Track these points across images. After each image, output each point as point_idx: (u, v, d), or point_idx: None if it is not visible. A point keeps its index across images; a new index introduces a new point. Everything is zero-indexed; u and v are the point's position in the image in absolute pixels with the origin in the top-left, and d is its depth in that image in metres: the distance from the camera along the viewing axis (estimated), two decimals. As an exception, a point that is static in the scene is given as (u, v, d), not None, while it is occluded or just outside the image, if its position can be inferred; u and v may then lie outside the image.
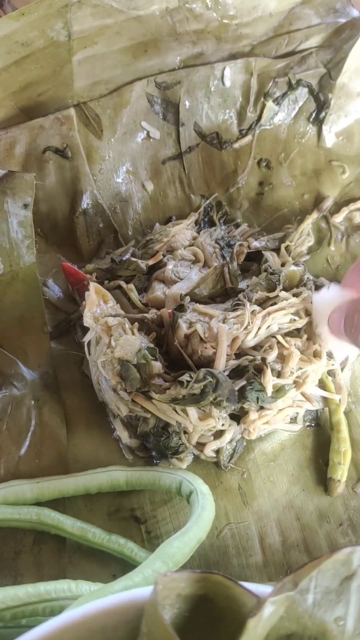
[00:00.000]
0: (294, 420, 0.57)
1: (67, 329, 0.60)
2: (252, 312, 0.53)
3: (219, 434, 0.54)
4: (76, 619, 0.33)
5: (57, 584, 0.41)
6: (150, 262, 0.60)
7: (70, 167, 0.63)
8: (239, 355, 0.54)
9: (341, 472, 0.55)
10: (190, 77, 0.66)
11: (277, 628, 0.33)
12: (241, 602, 0.33)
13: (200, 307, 0.55)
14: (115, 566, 0.49)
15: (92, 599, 0.37)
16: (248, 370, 0.52)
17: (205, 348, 0.52)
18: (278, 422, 0.56)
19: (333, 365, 0.58)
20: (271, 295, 0.55)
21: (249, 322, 0.53)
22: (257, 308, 0.54)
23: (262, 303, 0.56)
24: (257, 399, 0.53)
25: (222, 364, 0.51)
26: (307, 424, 0.58)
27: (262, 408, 0.54)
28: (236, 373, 0.53)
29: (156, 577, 0.32)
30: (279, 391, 0.53)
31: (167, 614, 0.32)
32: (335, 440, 0.56)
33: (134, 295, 0.57)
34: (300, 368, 0.54)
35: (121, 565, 0.48)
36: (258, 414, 0.54)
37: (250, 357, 0.53)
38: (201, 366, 0.52)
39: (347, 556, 0.34)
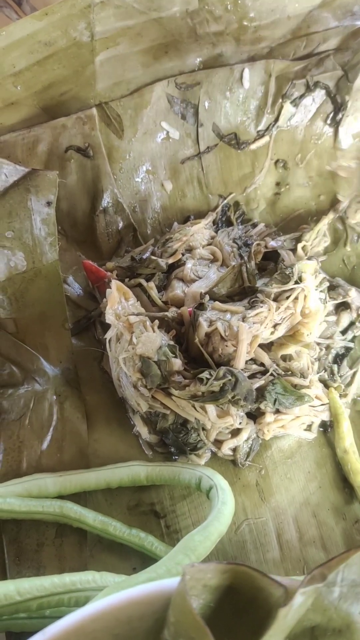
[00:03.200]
0: (308, 428, 0.58)
1: (87, 326, 0.61)
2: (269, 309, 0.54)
3: (236, 432, 0.55)
4: (104, 608, 0.34)
5: (82, 575, 0.42)
6: (170, 260, 0.60)
7: (92, 166, 0.64)
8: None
9: None
10: (209, 79, 0.67)
11: (302, 620, 0.34)
12: (268, 592, 0.33)
13: (221, 304, 0.55)
14: (135, 559, 0.49)
15: (117, 590, 0.38)
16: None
17: (226, 346, 0.53)
18: (293, 428, 0.56)
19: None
20: (286, 287, 0.56)
21: (270, 320, 0.53)
22: (273, 304, 0.55)
23: (278, 297, 0.57)
24: (275, 400, 0.54)
25: (242, 362, 0.52)
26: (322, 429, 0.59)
27: (278, 411, 0.55)
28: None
29: (183, 568, 0.32)
30: (298, 398, 0.54)
31: (194, 604, 0.33)
32: (348, 462, 0.56)
33: (154, 293, 0.58)
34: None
35: (141, 559, 0.49)
36: (274, 417, 0.55)
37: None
38: (221, 364, 0.53)
39: (372, 551, 0.35)
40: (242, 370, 0.53)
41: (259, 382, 0.53)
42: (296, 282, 0.56)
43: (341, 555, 0.34)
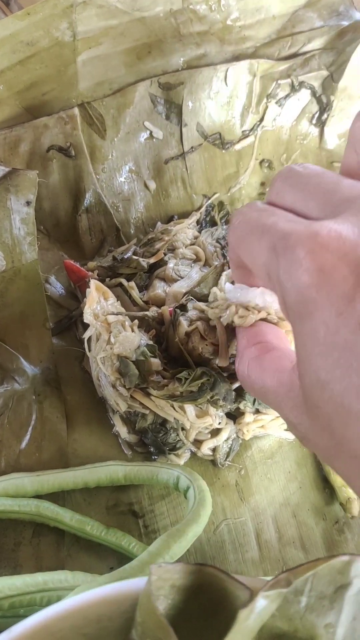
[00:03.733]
0: (289, 428, 0.58)
1: (69, 326, 0.61)
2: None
3: (215, 432, 0.55)
4: (72, 607, 0.34)
5: (55, 574, 0.42)
6: (152, 260, 0.60)
7: (74, 166, 0.64)
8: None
9: (349, 491, 0.54)
10: (193, 78, 0.67)
11: (270, 627, 0.34)
12: (234, 594, 0.33)
13: (201, 304, 0.55)
14: (112, 559, 0.49)
15: (88, 589, 0.38)
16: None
17: (206, 345, 0.53)
18: (273, 428, 0.56)
19: None
20: None
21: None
22: None
23: None
24: (255, 400, 0.54)
25: (226, 358, 0.52)
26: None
27: (258, 411, 0.55)
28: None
29: (150, 568, 0.32)
30: None
31: (161, 605, 0.33)
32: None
33: (135, 292, 0.58)
34: None
35: (119, 559, 0.49)
36: (254, 417, 0.55)
37: None
38: (201, 364, 0.53)
39: (343, 565, 0.34)
40: (222, 367, 0.53)
41: (238, 382, 0.53)
42: None
43: (309, 563, 0.34)
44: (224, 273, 0.57)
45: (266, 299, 0.45)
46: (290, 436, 0.57)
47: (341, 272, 0.28)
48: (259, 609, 0.31)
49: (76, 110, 0.63)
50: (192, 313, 0.55)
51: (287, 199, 0.35)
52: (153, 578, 0.32)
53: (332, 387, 0.29)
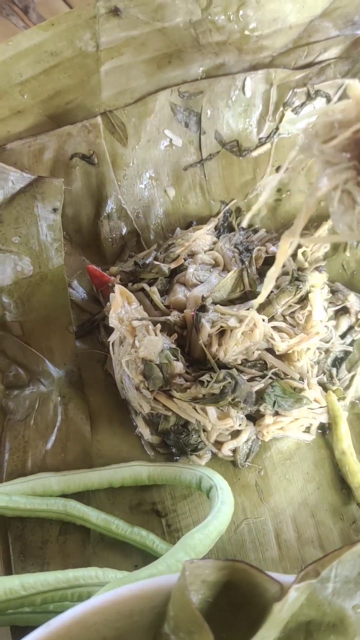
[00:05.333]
0: (307, 430, 0.59)
1: (91, 329, 0.62)
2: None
3: (236, 434, 0.56)
4: (107, 602, 0.35)
5: (85, 571, 0.43)
6: (172, 265, 0.62)
7: (96, 173, 0.65)
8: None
9: None
10: (212, 87, 0.68)
11: (297, 615, 0.35)
12: (264, 588, 0.35)
13: (222, 308, 0.57)
14: (136, 557, 0.51)
15: (119, 585, 0.39)
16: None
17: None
18: (292, 430, 0.58)
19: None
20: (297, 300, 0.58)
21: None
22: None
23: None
24: (274, 403, 0.55)
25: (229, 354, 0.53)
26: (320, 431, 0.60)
27: (277, 414, 0.56)
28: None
29: (183, 564, 0.34)
30: (296, 401, 0.55)
31: (193, 598, 0.34)
32: (346, 463, 0.57)
33: (157, 297, 0.59)
34: None
35: (142, 557, 0.50)
36: (273, 419, 0.56)
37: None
38: (223, 367, 0.54)
39: (365, 548, 0.36)
40: (239, 370, 0.54)
41: (258, 385, 0.55)
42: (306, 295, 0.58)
43: (334, 552, 0.35)
44: None
45: None
46: (308, 437, 0.59)
47: None
48: (291, 601, 0.32)
49: (99, 119, 0.64)
50: (213, 315, 0.56)
51: None
52: (186, 573, 0.34)
53: None
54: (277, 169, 0.73)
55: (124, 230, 0.67)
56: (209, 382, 0.52)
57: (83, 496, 0.52)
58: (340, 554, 0.35)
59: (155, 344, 0.52)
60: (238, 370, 0.54)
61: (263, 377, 0.55)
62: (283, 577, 0.35)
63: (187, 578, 0.34)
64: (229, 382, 0.52)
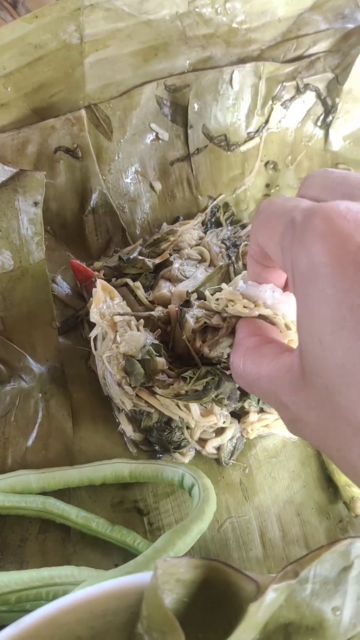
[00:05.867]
0: None
1: (75, 325, 0.61)
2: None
3: (220, 431, 0.55)
4: (79, 601, 0.35)
5: (61, 569, 0.43)
6: (157, 260, 0.61)
7: (80, 167, 0.64)
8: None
9: (353, 490, 0.55)
10: (199, 81, 0.68)
11: (276, 617, 0.35)
12: (240, 587, 0.34)
13: (207, 303, 0.56)
14: (118, 556, 0.50)
15: (94, 583, 0.39)
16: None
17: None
18: (278, 428, 0.57)
19: None
20: None
21: None
22: None
23: None
24: (259, 399, 0.54)
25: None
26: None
27: (262, 411, 0.55)
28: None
29: (156, 562, 0.33)
30: None
31: (166, 598, 0.33)
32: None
33: (141, 292, 0.59)
34: None
35: (124, 555, 0.50)
36: (258, 417, 0.55)
37: None
38: (207, 363, 0.54)
39: (345, 547, 0.35)
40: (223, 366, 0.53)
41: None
42: None
43: (314, 552, 0.34)
44: (241, 275, 0.58)
45: (275, 296, 0.45)
46: (294, 436, 0.58)
47: (356, 241, 0.29)
48: (268, 602, 0.32)
49: (83, 112, 0.63)
50: (197, 311, 0.55)
51: (313, 191, 0.36)
52: (159, 572, 0.33)
53: (337, 350, 0.29)
54: (266, 164, 0.72)
55: (109, 225, 0.66)
56: (191, 378, 0.51)
57: (64, 494, 0.51)
58: (320, 554, 0.34)
59: (137, 340, 0.51)
60: (222, 366, 0.53)
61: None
62: (260, 577, 0.34)
63: (160, 577, 0.33)
64: (212, 379, 0.51)
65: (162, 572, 0.33)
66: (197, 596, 0.35)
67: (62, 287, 0.63)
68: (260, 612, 0.32)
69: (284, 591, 0.33)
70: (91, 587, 0.35)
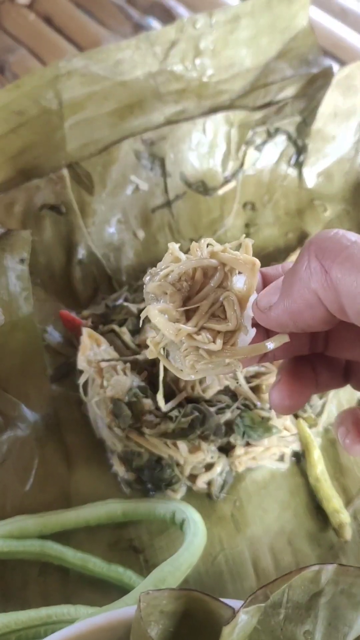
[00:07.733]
0: (280, 458, 0.60)
1: (67, 372, 0.64)
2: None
3: (209, 467, 0.57)
4: (70, 635, 0.37)
5: (58, 608, 0.45)
6: (142, 305, 0.64)
7: (65, 222, 0.68)
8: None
9: (341, 517, 0.56)
10: (174, 132, 0.72)
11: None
12: (219, 614, 0.36)
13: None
14: (116, 594, 0.51)
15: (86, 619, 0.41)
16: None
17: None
18: (265, 459, 0.58)
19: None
20: None
21: None
22: None
23: None
24: (244, 433, 0.56)
25: None
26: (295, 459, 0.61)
27: (248, 444, 0.58)
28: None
29: (140, 595, 0.35)
30: (266, 430, 0.57)
31: (152, 630, 0.36)
32: (320, 489, 0.58)
33: (127, 337, 0.61)
34: None
35: (122, 593, 0.51)
36: (244, 450, 0.57)
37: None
38: (193, 401, 0.56)
39: (314, 574, 0.37)
40: (211, 401, 0.56)
41: (226, 416, 0.56)
42: None
43: (283, 577, 0.37)
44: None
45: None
46: (282, 466, 0.60)
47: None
48: (241, 624, 0.34)
49: (65, 171, 0.68)
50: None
51: None
52: (142, 605, 0.35)
53: None
54: (244, 205, 0.76)
55: (96, 274, 0.69)
56: (177, 416, 0.54)
57: (62, 536, 0.53)
58: (289, 579, 0.36)
59: (123, 383, 0.54)
60: (207, 402, 0.56)
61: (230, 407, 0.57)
62: (237, 603, 0.36)
63: (144, 609, 0.35)
64: (197, 416, 0.54)
65: (146, 604, 0.35)
66: (182, 626, 0.37)
67: (54, 336, 0.66)
68: (234, 635, 0.34)
69: (256, 614, 0.35)
70: (81, 622, 0.37)
